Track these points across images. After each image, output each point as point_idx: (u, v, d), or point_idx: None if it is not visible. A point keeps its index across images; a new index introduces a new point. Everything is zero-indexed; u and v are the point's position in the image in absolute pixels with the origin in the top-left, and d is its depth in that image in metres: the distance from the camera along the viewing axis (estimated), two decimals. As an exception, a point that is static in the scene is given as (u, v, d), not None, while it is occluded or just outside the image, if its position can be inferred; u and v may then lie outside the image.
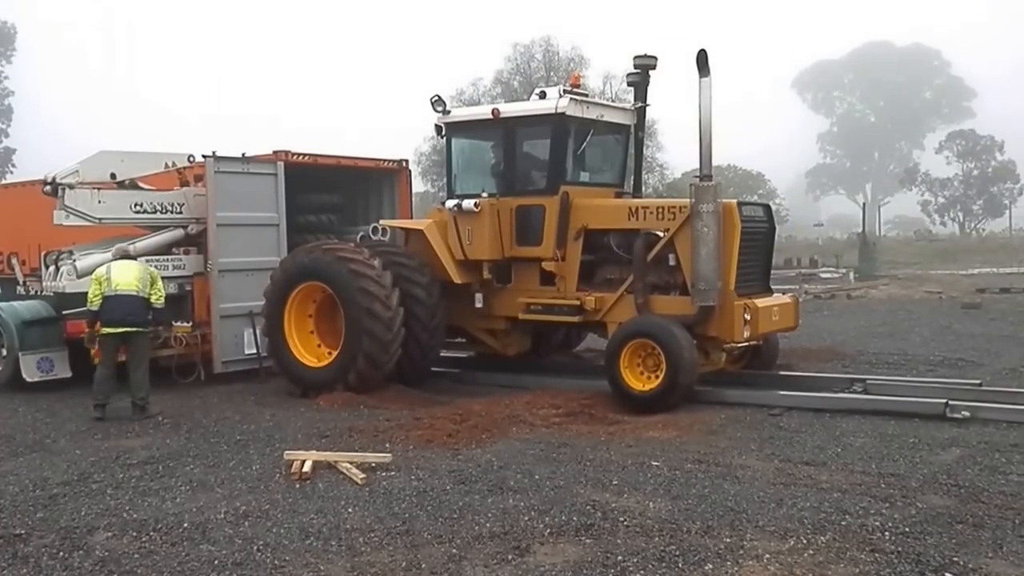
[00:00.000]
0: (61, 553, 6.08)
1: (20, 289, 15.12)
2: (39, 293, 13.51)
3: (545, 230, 11.54)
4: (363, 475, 7.56)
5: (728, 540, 5.97)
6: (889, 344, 15.55)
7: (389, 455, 8.18)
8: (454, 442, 8.78)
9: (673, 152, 49.78)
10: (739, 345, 10.78)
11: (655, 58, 12.10)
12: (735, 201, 10.98)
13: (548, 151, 11.62)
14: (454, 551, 5.89)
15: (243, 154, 13.50)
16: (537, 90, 11.95)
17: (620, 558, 5.68)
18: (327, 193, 15.15)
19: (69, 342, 12.33)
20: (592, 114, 11.70)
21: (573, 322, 11.74)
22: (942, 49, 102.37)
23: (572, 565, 5.62)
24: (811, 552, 5.74)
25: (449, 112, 12.31)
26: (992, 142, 74.95)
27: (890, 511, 6.48)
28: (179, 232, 13.26)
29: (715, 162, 10.72)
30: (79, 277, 12.24)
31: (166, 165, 13.48)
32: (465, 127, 12.44)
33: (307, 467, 7.74)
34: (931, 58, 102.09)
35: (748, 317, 10.41)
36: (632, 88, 12.54)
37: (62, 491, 7.53)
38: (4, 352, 12.67)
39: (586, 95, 12.25)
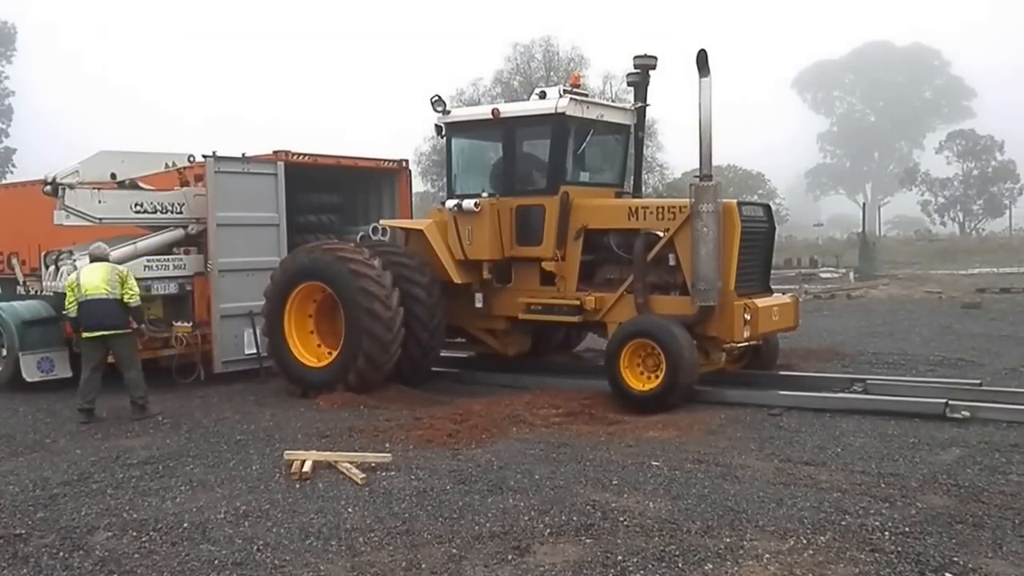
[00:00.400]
0: (61, 553, 6.09)
1: (20, 289, 15.13)
2: (39, 293, 13.53)
3: (545, 230, 11.54)
4: (363, 475, 7.56)
5: (728, 540, 5.98)
6: (889, 344, 15.55)
7: (389, 455, 8.18)
8: (454, 442, 8.78)
9: (673, 152, 49.88)
10: (739, 345, 10.78)
11: (655, 58, 12.10)
12: (735, 201, 10.99)
13: (548, 151, 11.63)
14: (454, 551, 5.89)
15: (243, 154, 13.50)
16: (537, 90, 11.95)
17: (620, 558, 5.69)
18: (327, 193, 15.15)
19: (69, 342, 12.34)
20: (592, 114, 11.71)
21: (573, 322, 11.74)
22: (942, 49, 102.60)
23: (572, 565, 5.62)
24: (811, 552, 5.74)
25: (449, 112, 12.31)
26: (992, 142, 74.95)
27: (890, 511, 6.49)
28: (179, 232, 13.26)
29: (715, 162, 10.73)
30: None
31: (166, 165, 13.49)
32: (465, 127, 12.44)
33: (307, 467, 7.75)
34: (931, 58, 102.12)
35: (748, 317, 10.42)
36: (632, 88, 12.55)
37: (62, 491, 7.53)
38: (4, 352, 12.69)
39: (586, 95, 12.25)
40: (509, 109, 12.18)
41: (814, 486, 7.14)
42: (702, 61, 10.31)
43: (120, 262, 12.36)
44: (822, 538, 5.97)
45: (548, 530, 6.25)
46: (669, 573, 5.48)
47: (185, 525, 6.54)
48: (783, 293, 12.16)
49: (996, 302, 23.78)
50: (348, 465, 7.82)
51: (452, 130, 12.31)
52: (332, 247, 11.83)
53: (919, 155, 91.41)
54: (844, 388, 10.80)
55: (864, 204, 61.78)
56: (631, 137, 12.51)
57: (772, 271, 11.95)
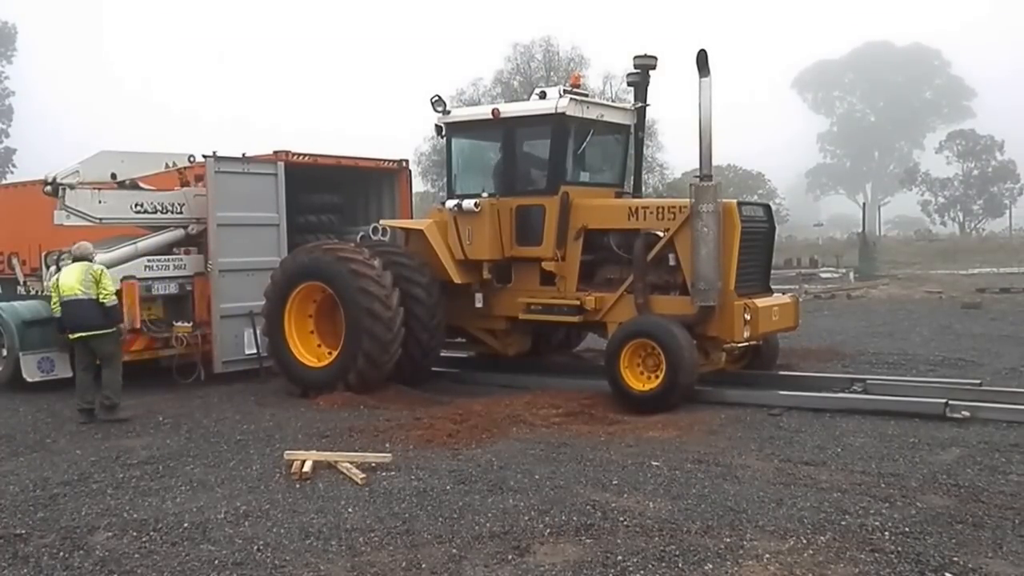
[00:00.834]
0: (61, 553, 6.09)
1: (20, 289, 15.14)
2: (39, 293, 13.52)
3: (545, 230, 11.54)
4: (363, 475, 7.56)
5: (728, 540, 5.98)
6: (889, 344, 15.55)
7: (389, 455, 8.19)
8: (454, 442, 8.78)
9: (673, 152, 49.88)
10: (739, 345, 10.78)
11: (655, 58, 12.11)
12: (735, 201, 10.99)
13: (548, 151, 11.63)
14: (454, 551, 5.89)
15: (243, 154, 13.51)
16: (537, 90, 11.95)
17: (620, 558, 5.69)
18: (327, 193, 15.16)
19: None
20: (592, 114, 11.71)
21: (573, 322, 11.74)
22: (942, 49, 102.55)
23: (572, 565, 5.62)
24: (811, 552, 5.74)
25: (449, 112, 12.31)
26: (992, 142, 74.96)
27: (890, 511, 6.49)
28: (179, 232, 13.26)
29: (715, 162, 10.73)
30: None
31: (166, 165, 13.48)
32: (465, 127, 12.44)
33: (307, 467, 7.75)
34: (931, 58, 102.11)
35: (748, 317, 10.42)
36: (632, 88, 12.55)
37: (62, 491, 7.54)
38: (4, 352, 12.69)
39: (586, 95, 12.25)
40: (509, 109, 12.18)
41: (814, 486, 7.14)
42: (702, 61, 10.31)
43: (120, 262, 12.41)
44: (822, 538, 5.97)
45: (548, 530, 6.25)
46: (669, 573, 5.48)
47: (185, 525, 6.54)
48: (783, 293, 12.16)
49: (996, 302, 23.78)
50: (348, 465, 7.82)
51: (452, 130, 12.31)
52: (332, 247, 11.83)
53: (919, 155, 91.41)
54: (844, 388, 10.80)
55: (864, 204, 61.83)
56: (631, 137, 12.51)
57: (772, 271, 11.95)
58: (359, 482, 7.45)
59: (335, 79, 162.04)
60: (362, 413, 10.37)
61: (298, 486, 7.48)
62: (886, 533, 6.03)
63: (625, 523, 6.33)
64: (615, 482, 7.36)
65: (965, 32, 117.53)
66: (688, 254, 10.52)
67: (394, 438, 9.03)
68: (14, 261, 15.65)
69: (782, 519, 6.36)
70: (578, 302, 11.34)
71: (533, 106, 11.69)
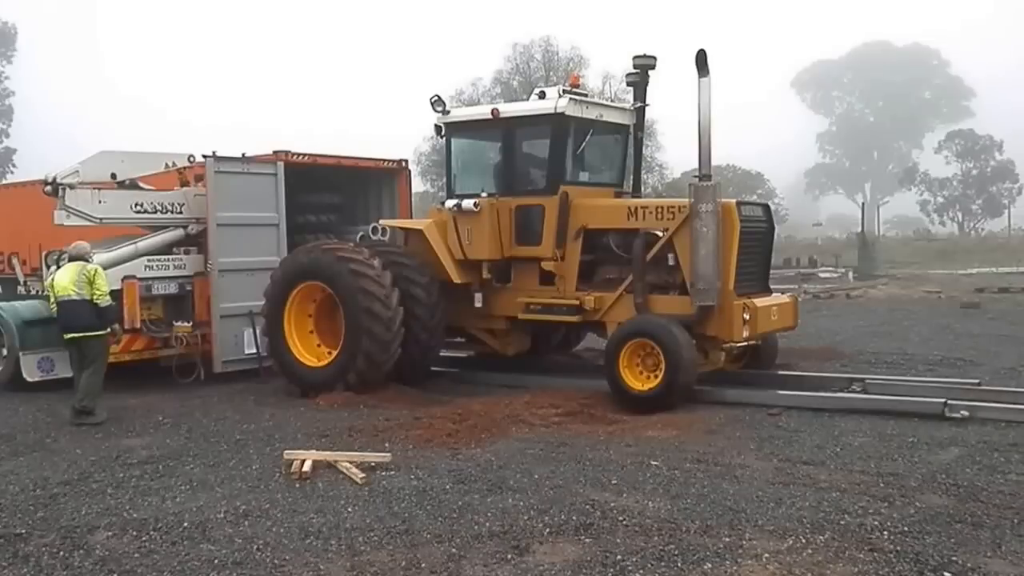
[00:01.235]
0: (61, 552, 6.09)
1: (21, 289, 15.15)
2: (40, 293, 13.52)
3: (544, 230, 11.55)
4: (363, 474, 7.57)
5: (727, 539, 5.99)
6: (888, 344, 15.57)
7: (389, 455, 8.19)
8: (453, 442, 8.79)
9: (672, 152, 49.82)
10: (738, 345, 10.79)
11: (654, 58, 12.12)
12: (734, 201, 11.01)
13: (547, 151, 11.64)
14: (453, 550, 5.90)
15: (243, 154, 13.52)
16: (536, 90, 11.97)
17: (619, 557, 5.70)
18: (327, 193, 15.17)
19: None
20: (591, 114, 11.72)
21: (572, 322, 11.75)
22: (941, 49, 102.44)
23: (571, 564, 5.63)
24: (810, 551, 5.75)
25: (448, 112, 12.32)
26: (991, 142, 74.90)
27: (889, 510, 6.50)
28: (179, 232, 13.26)
29: (714, 162, 10.74)
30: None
31: (166, 165, 13.49)
32: (464, 127, 12.45)
33: (307, 466, 7.75)
34: (930, 58, 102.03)
35: (747, 317, 10.43)
36: (631, 88, 12.56)
37: (62, 490, 7.54)
38: (5, 352, 12.68)
39: (585, 95, 12.27)
40: (508, 109, 12.20)
41: (813, 485, 7.15)
42: (701, 61, 10.33)
43: (120, 262, 12.41)
44: (821, 537, 5.98)
45: (547, 529, 6.26)
46: (668, 572, 5.49)
47: (185, 524, 6.55)
48: (782, 293, 12.18)
49: (995, 302, 23.81)
50: (348, 465, 7.83)
51: (452, 130, 12.32)
52: (332, 247, 11.84)
53: (918, 155, 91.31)
54: (843, 388, 10.82)
55: (863, 204, 61.93)
56: (630, 137, 12.52)
57: (771, 271, 11.96)
58: (359, 482, 7.45)
59: (335, 79, 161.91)
60: (362, 413, 10.37)
61: (298, 486, 7.48)
62: (885, 532, 6.04)
63: (624, 522, 6.34)
64: (614, 481, 7.37)
65: (964, 32, 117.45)
66: (687, 254, 10.53)
67: (394, 438, 9.04)
68: (14, 261, 15.65)
69: (781, 518, 6.37)
70: (577, 302, 11.35)
71: (532, 106, 11.70)
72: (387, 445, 8.73)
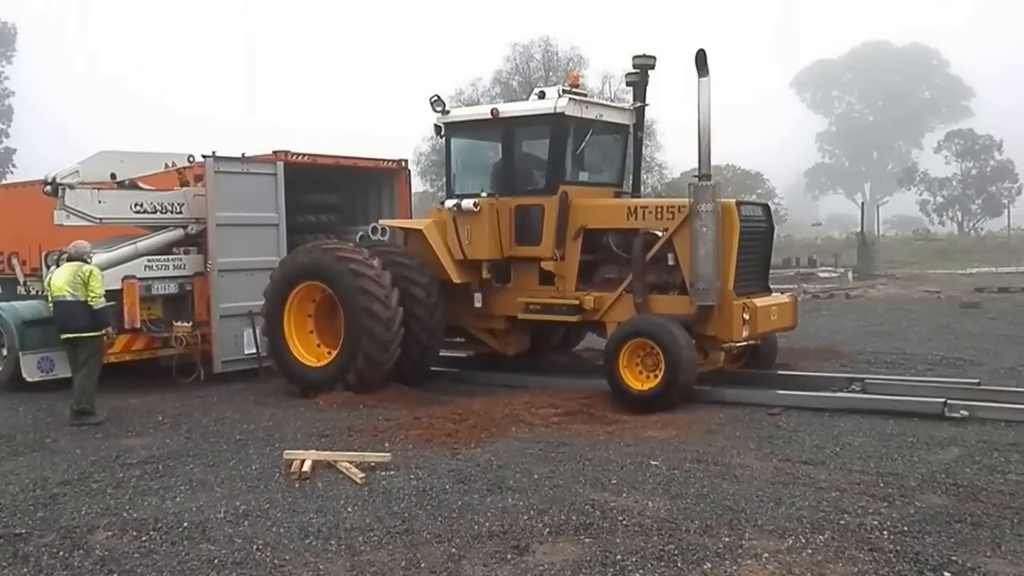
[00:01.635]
0: (61, 552, 6.10)
1: (20, 289, 15.16)
2: (39, 293, 13.53)
3: (544, 230, 11.56)
4: (362, 474, 7.57)
5: (727, 539, 5.99)
6: (887, 343, 15.57)
7: (388, 454, 8.20)
8: (453, 441, 8.79)
9: (672, 152, 49.82)
10: (738, 344, 10.79)
11: (654, 58, 12.12)
12: (734, 200, 11.01)
13: (547, 151, 11.65)
14: (453, 550, 5.90)
15: (243, 154, 13.52)
16: (536, 90, 11.96)
17: (619, 557, 5.70)
18: (326, 193, 15.16)
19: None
20: (591, 114, 11.72)
21: (572, 321, 11.75)
22: (940, 48, 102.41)
23: (571, 564, 5.63)
24: (810, 551, 5.75)
25: (448, 112, 12.32)
26: (990, 141, 74.92)
27: (888, 510, 6.50)
28: (179, 232, 13.26)
29: (714, 162, 10.74)
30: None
31: (166, 165, 13.49)
32: (464, 127, 12.45)
33: (307, 466, 7.76)
34: (929, 57, 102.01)
35: (747, 316, 10.44)
36: (631, 88, 12.57)
37: (62, 490, 7.54)
38: (4, 352, 12.69)
39: (585, 95, 12.27)
40: (508, 109, 12.20)
41: (813, 485, 7.16)
42: (701, 61, 10.33)
43: (120, 262, 12.41)
44: (821, 537, 5.98)
45: (547, 529, 6.26)
46: (668, 572, 5.49)
47: (185, 524, 6.55)
48: (782, 293, 12.18)
49: (994, 302, 23.81)
50: (347, 464, 7.83)
51: (451, 130, 12.32)
52: (331, 247, 11.85)
53: (918, 155, 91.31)
54: (843, 387, 10.82)
55: (863, 204, 61.85)
56: (630, 137, 12.52)
57: (771, 271, 11.96)
58: (358, 481, 7.46)
59: (334, 79, 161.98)
60: (361, 413, 10.37)
61: (297, 485, 7.49)
62: (885, 532, 6.04)
63: (624, 522, 6.34)
64: (614, 481, 7.37)
65: (964, 31, 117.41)
66: (687, 254, 10.54)
67: (393, 438, 9.04)
68: (14, 261, 15.66)
69: (781, 518, 6.37)
70: (577, 302, 11.36)
71: (532, 106, 11.70)
72: (387, 445, 8.73)
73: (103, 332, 10.64)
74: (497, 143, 12.15)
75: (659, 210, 11.10)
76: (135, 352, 12.59)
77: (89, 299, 10.36)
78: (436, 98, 12.11)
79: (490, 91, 51.80)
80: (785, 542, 5.92)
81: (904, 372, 12.52)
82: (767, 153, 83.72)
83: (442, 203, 12.45)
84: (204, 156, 12.97)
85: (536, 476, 7.53)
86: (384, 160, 15.38)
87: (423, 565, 5.67)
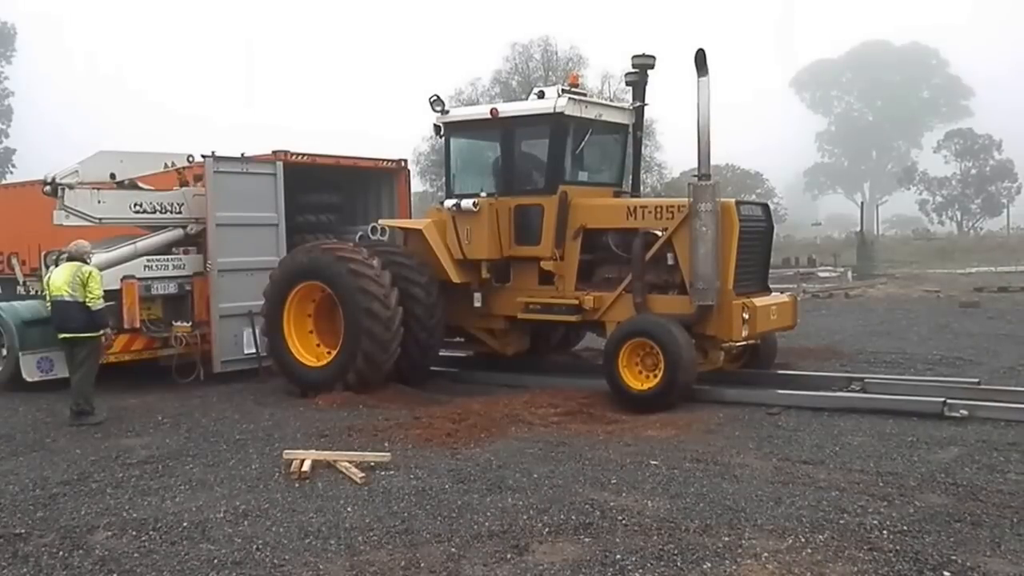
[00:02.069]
0: (61, 552, 6.10)
1: (20, 289, 15.15)
2: (39, 293, 13.52)
3: (544, 229, 11.56)
4: (362, 474, 7.58)
5: (726, 539, 5.99)
6: (887, 343, 15.57)
7: (388, 454, 8.20)
8: (453, 441, 8.79)
9: (671, 151, 49.84)
10: (737, 344, 10.80)
11: (653, 58, 12.12)
12: (733, 200, 11.01)
13: (547, 151, 11.65)
14: (453, 550, 5.91)
15: (242, 154, 13.53)
16: (535, 90, 11.96)
17: (619, 556, 5.70)
18: (326, 193, 15.17)
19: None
20: (590, 113, 11.72)
21: (572, 321, 11.75)
22: (940, 48, 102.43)
23: (571, 564, 5.63)
24: (809, 551, 5.75)
25: (448, 112, 12.32)
26: (990, 141, 74.88)
27: (888, 510, 6.50)
28: (179, 232, 13.26)
29: (713, 161, 10.74)
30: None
31: (165, 165, 13.49)
32: (464, 127, 12.45)
33: (306, 466, 7.76)
34: (929, 57, 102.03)
35: (746, 316, 10.44)
36: (630, 87, 12.56)
37: (62, 490, 7.54)
38: (4, 352, 12.69)
39: (584, 95, 12.28)
40: (508, 109, 12.19)
41: (812, 485, 7.16)
42: (700, 60, 10.34)
43: (120, 262, 12.41)
44: (820, 537, 5.98)
45: (547, 529, 6.26)
46: (668, 572, 5.49)
47: (184, 524, 6.55)
48: (781, 292, 12.19)
49: (994, 301, 23.80)
50: (347, 464, 7.84)
51: (451, 130, 12.32)
52: (331, 247, 11.85)
53: (917, 154, 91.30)
54: (842, 387, 10.83)
55: (862, 203, 61.82)
56: (629, 136, 12.53)
57: (770, 270, 11.96)
58: (358, 481, 7.46)
59: (334, 79, 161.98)
60: (361, 412, 10.38)
61: (297, 485, 7.49)
62: (884, 532, 6.04)
63: (624, 522, 6.34)
64: (614, 481, 7.37)
65: (963, 31, 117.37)
66: (686, 253, 10.54)
67: (393, 437, 9.04)
68: (14, 261, 15.66)
69: (780, 518, 6.37)
70: (577, 301, 11.36)
71: (531, 106, 11.70)
72: (386, 445, 8.73)
73: (101, 333, 10.62)
74: (496, 143, 12.14)
75: (659, 210, 11.10)
76: (135, 352, 12.59)
77: (87, 300, 10.33)
78: (435, 98, 12.11)
79: (489, 91, 51.83)
80: (785, 541, 5.92)
81: (904, 372, 12.52)
82: (767, 153, 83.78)
83: (441, 203, 12.46)
84: (203, 156, 12.97)
85: (536, 476, 7.53)
86: (383, 160, 15.39)
87: (423, 565, 5.67)
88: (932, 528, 6.09)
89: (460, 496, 7.03)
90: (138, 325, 12.43)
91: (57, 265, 11.31)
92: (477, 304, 12.11)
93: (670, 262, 10.91)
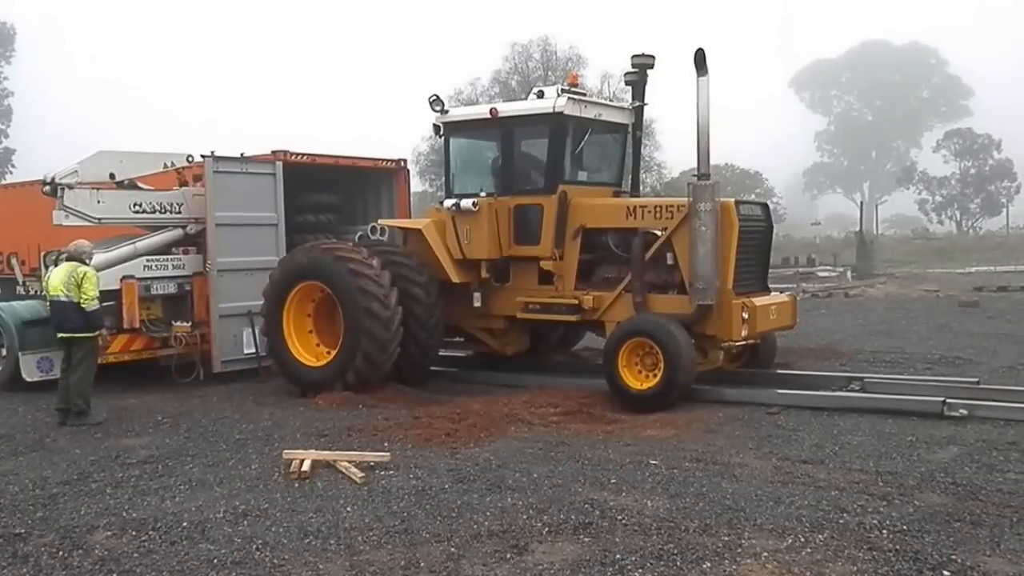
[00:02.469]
0: (61, 552, 6.10)
1: (20, 289, 15.15)
2: (39, 293, 13.52)
3: (543, 229, 11.56)
4: (362, 474, 7.58)
5: (726, 538, 5.99)
6: (887, 342, 15.57)
7: (388, 454, 8.20)
8: (452, 441, 8.80)
9: (671, 151, 49.87)
10: (737, 344, 10.80)
11: (653, 57, 12.12)
12: (733, 200, 11.01)
13: (546, 150, 11.65)
14: (452, 550, 5.91)
15: (242, 154, 13.53)
16: (535, 89, 11.97)
17: (618, 556, 5.70)
18: (325, 193, 15.16)
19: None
20: (590, 113, 11.73)
21: (571, 321, 11.75)
22: (939, 48, 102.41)
23: (570, 563, 5.63)
24: (809, 550, 5.75)
25: (447, 112, 12.33)
26: (989, 140, 74.88)
27: (888, 509, 6.50)
28: (178, 232, 13.26)
29: (713, 161, 10.74)
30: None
31: (165, 165, 13.48)
32: (463, 127, 12.45)
33: (306, 466, 7.76)
34: (928, 56, 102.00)
35: (746, 316, 10.44)
36: (630, 87, 12.56)
37: (62, 490, 7.54)
38: (4, 352, 12.69)
39: (584, 94, 12.28)
40: (507, 108, 12.20)
41: (812, 484, 7.16)
42: (700, 60, 10.34)
43: (119, 262, 12.41)
44: (820, 536, 5.98)
45: (546, 529, 6.26)
46: (667, 571, 5.49)
47: (184, 524, 6.55)
48: (781, 292, 12.19)
49: (993, 300, 23.81)
50: (347, 464, 7.84)
51: (450, 130, 12.33)
52: (330, 247, 11.85)
53: (916, 154, 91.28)
54: (842, 387, 10.83)
55: (862, 203, 61.86)
56: (629, 136, 12.53)
57: (770, 270, 11.97)
58: (358, 481, 7.46)
59: (333, 78, 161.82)
60: (361, 412, 10.38)
61: (297, 485, 7.49)
62: (884, 531, 6.04)
63: (623, 521, 6.34)
64: (613, 481, 7.38)
65: (962, 31, 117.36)
66: (686, 253, 10.54)
67: (392, 437, 9.04)
68: (13, 261, 15.65)
69: (780, 517, 6.37)
70: (576, 301, 11.36)
71: (531, 105, 11.71)
72: (386, 445, 8.73)
73: (96, 333, 10.62)
74: (496, 143, 12.15)
75: (658, 209, 11.11)
76: (134, 352, 12.58)
77: (82, 301, 10.32)
78: (435, 97, 12.12)
79: (489, 91, 51.85)
80: (784, 541, 5.92)
81: (903, 371, 12.52)
82: (766, 152, 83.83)
83: (441, 203, 12.46)
84: (203, 156, 12.97)
85: (535, 475, 7.53)
86: (383, 160, 15.39)
87: (422, 564, 5.67)
88: (932, 527, 6.09)
89: (460, 496, 7.04)
90: (138, 325, 12.43)
91: (57, 265, 11.31)
92: (477, 304, 12.11)
93: (669, 262, 10.91)
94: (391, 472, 7.75)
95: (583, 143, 11.79)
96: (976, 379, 11.05)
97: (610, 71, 48.42)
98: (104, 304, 11.09)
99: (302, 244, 12.63)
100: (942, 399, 9.50)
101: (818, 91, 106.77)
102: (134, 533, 6.41)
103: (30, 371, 12.37)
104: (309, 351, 11.90)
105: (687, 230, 10.51)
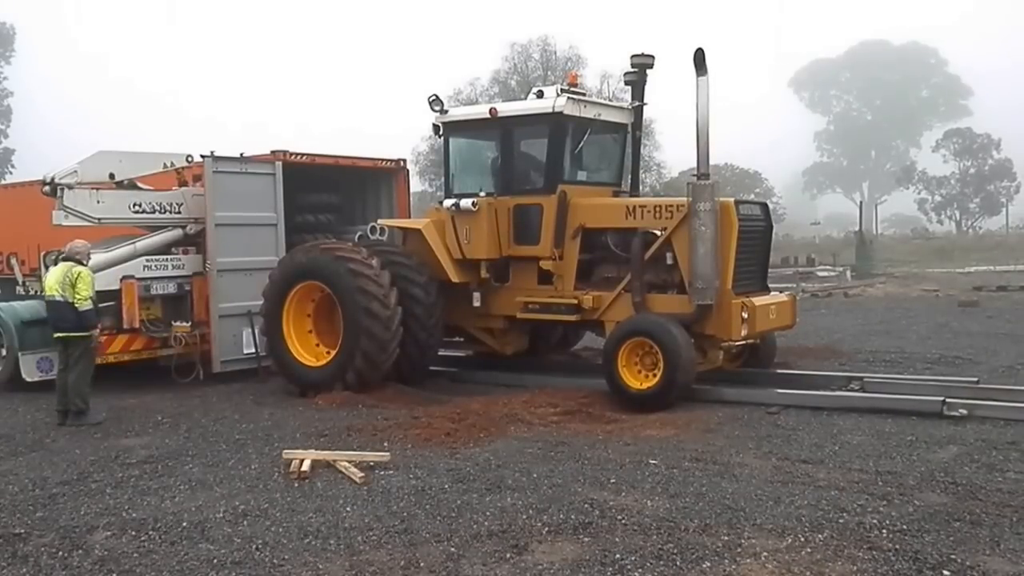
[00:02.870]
0: (60, 552, 6.10)
1: (19, 289, 15.14)
2: (38, 293, 13.52)
3: (543, 229, 11.56)
4: (362, 474, 7.58)
5: (726, 538, 5.99)
6: (886, 342, 15.57)
7: (387, 454, 8.20)
8: (452, 441, 8.80)
9: (670, 151, 49.87)
10: (737, 343, 10.80)
11: (652, 57, 12.12)
12: (732, 200, 11.01)
13: (546, 150, 11.65)
14: (452, 550, 5.91)
15: (241, 154, 13.52)
16: (535, 89, 11.97)
17: (618, 556, 5.70)
18: (325, 193, 15.16)
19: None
20: (589, 113, 11.73)
21: (571, 321, 11.75)
22: (939, 47, 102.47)
23: (570, 563, 5.63)
24: (809, 550, 5.76)
25: (447, 111, 12.33)
26: (989, 140, 74.90)
27: (887, 509, 6.51)
28: (178, 232, 13.26)
29: (712, 161, 10.74)
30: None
31: (164, 165, 13.48)
32: (463, 126, 12.45)
33: (306, 466, 7.76)
34: (928, 56, 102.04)
35: (746, 315, 10.44)
36: (629, 87, 12.55)
37: (61, 490, 7.54)
38: (4, 352, 12.69)
39: (583, 94, 12.28)
40: (507, 108, 12.20)
41: (812, 484, 7.16)
42: (699, 60, 10.34)
43: (119, 262, 12.41)
44: (820, 536, 5.99)
45: (546, 528, 6.26)
46: (667, 571, 5.49)
47: (184, 524, 6.55)
48: (780, 292, 12.19)
49: (993, 300, 23.82)
50: (347, 464, 7.84)
51: (450, 129, 12.33)
52: (330, 246, 11.85)
53: (916, 153, 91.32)
54: (841, 386, 10.83)
55: (861, 202, 61.86)
56: (628, 136, 12.53)
57: (769, 270, 11.97)
58: (357, 481, 7.46)
59: (333, 78, 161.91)
60: (360, 412, 10.38)
61: (296, 485, 7.49)
62: (884, 531, 6.04)
63: (623, 521, 6.34)
64: (613, 480, 7.38)
65: (962, 30, 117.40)
66: (686, 253, 10.54)
67: (392, 437, 9.04)
68: (13, 261, 15.65)
69: (780, 517, 6.37)
70: (576, 301, 11.36)
71: (531, 105, 11.71)
72: (386, 444, 8.73)
73: (91, 334, 10.59)
74: (496, 143, 12.15)
75: (658, 209, 11.11)
76: (134, 352, 12.58)
77: (75, 301, 10.30)
78: (435, 97, 12.12)
79: (488, 90, 51.84)
80: (784, 541, 5.92)
81: (903, 371, 12.52)
82: (765, 152, 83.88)
83: (441, 203, 12.45)
84: (202, 156, 12.97)
85: (535, 475, 7.53)
86: (383, 160, 15.39)
87: (422, 564, 5.67)
88: (931, 527, 6.10)
89: (459, 496, 7.04)
90: (137, 325, 12.43)
91: (55, 265, 11.31)
92: (476, 304, 12.11)
93: (669, 261, 10.91)
94: (391, 472, 7.75)
95: (583, 143, 11.79)
96: (976, 379, 11.05)
97: (610, 71, 48.39)
98: (104, 304, 11.08)
99: (302, 244, 12.63)
100: (942, 399, 9.50)
101: (817, 91, 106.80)
102: (134, 533, 6.41)
103: (30, 371, 12.37)
104: (309, 351, 11.90)
105: (687, 230, 10.52)
